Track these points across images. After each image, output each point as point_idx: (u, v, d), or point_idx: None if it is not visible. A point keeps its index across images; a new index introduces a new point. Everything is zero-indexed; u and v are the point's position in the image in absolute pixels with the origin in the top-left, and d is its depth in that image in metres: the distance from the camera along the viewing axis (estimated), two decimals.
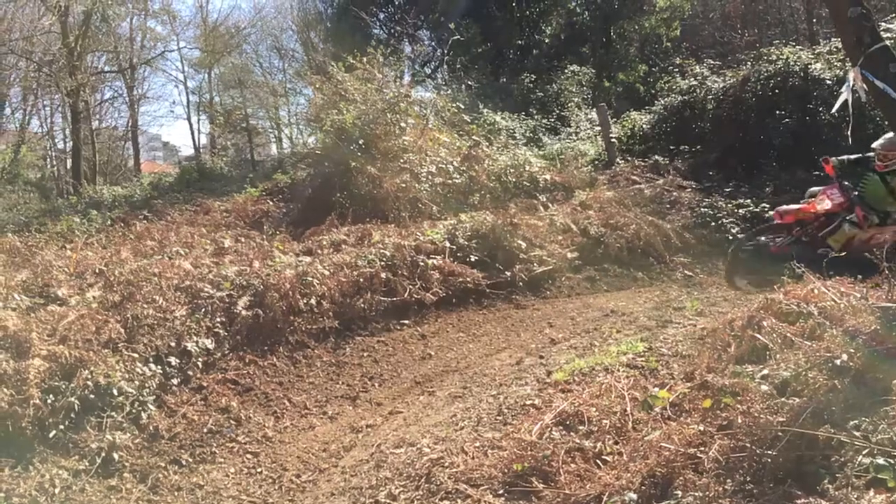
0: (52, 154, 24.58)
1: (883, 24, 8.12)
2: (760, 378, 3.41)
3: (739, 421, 3.01)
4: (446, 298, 6.93)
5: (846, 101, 4.91)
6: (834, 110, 5.81)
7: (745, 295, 6.81)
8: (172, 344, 5.15)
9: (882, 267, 4.00)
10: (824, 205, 7.37)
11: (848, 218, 7.24)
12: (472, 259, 7.50)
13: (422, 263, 7.11)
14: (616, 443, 3.43)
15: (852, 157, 7.66)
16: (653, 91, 15.85)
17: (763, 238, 7.72)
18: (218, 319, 5.60)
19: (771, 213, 8.11)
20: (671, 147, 11.30)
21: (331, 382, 5.62)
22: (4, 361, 4.30)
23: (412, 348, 6.22)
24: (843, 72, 9.45)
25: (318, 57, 19.68)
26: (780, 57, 11.34)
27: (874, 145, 7.23)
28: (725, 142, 11.01)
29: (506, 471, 3.42)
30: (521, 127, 13.35)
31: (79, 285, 5.82)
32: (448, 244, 7.55)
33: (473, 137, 11.29)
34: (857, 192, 7.38)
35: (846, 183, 7.45)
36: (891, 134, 7.09)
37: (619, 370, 4.56)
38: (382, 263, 6.93)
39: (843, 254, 7.05)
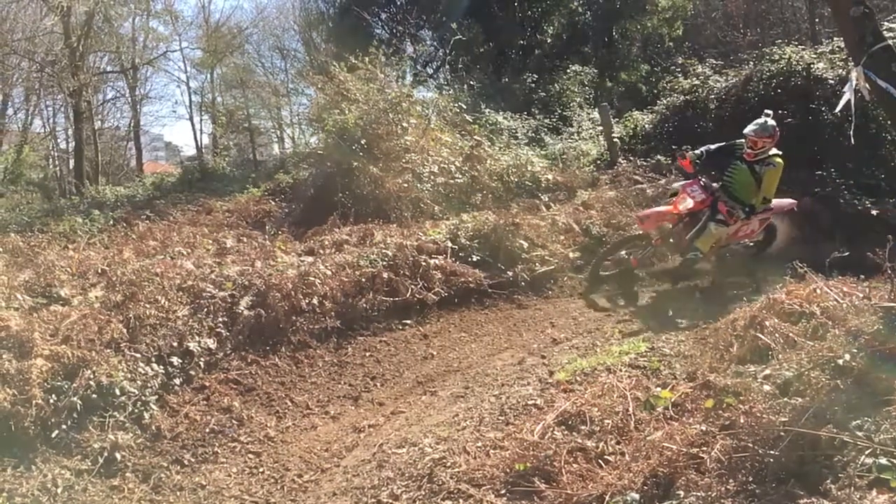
0: (55, 154, 24.59)
1: (885, 23, 8.12)
2: (763, 378, 3.42)
3: (742, 421, 3.01)
4: (448, 298, 6.93)
5: (849, 100, 4.90)
6: (837, 110, 5.78)
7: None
8: (175, 344, 5.16)
9: (884, 267, 3.99)
10: (686, 204, 7.08)
11: (714, 218, 6.99)
12: (474, 259, 7.50)
13: (424, 263, 7.10)
14: (618, 443, 3.43)
15: (712, 147, 7.43)
16: (655, 91, 15.80)
17: (624, 252, 7.50)
18: (220, 319, 5.60)
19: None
20: (673, 147, 11.24)
21: (333, 382, 5.62)
22: (7, 361, 4.31)
23: (414, 348, 6.22)
24: (845, 71, 9.43)
25: (320, 57, 19.64)
26: (783, 56, 11.31)
27: (746, 131, 7.01)
28: (728, 141, 10.97)
29: (508, 471, 3.42)
30: (523, 127, 13.32)
31: (81, 285, 5.83)
32: (450, 244, 7.55)
33: (475, 137, 11.27)
34: (722, 184, 7.19)
35: (705, 179, 7.23)
36: (762, 119, 6.97)
37: (621, 370, 4.56)
38: (384, 263, 6.93)
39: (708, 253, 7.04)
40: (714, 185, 7.23)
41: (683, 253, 7.19)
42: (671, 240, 7.27)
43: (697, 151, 7.30)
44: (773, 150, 7.02)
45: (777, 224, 7.71)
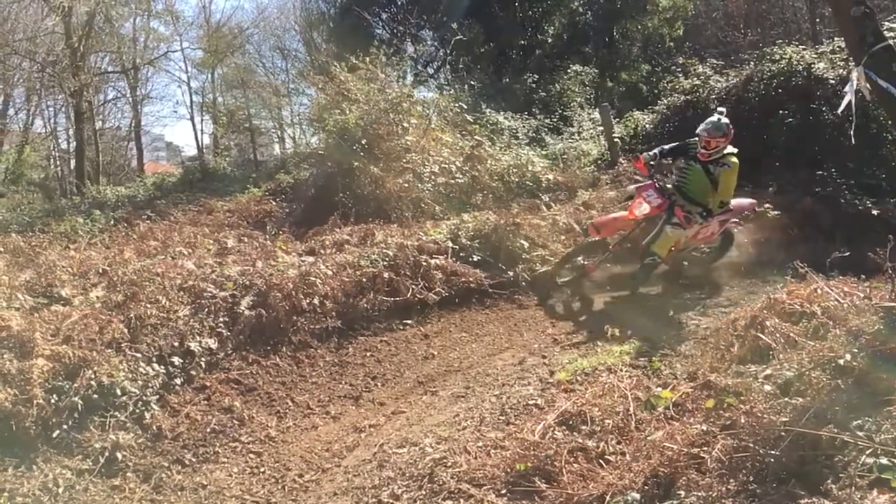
0: (56, 154, 24.58)
1: (886, 23, 8.12)
2: (763, 378, 3.42)
3: (742, 421, 3.01)
4: (449, 298, 6.93)
5: (850, 99, 4.90)
6: (840, 110, 5.51)
7: (749, 296, 6.75)
8: (175, 344, 5.16)
9: (885, 267, 3.99)
10: (642, 209, 6.84)
11: (670, 221, 6.76)
12: (475, 259, 7.50)
13: (424, 263, 7.10)
14: (619, 443, 3.43)
15: (666, 147, 7.21)
16: (655, 91, 15.81)
17: (580, 259, 7.27)
18: (221, 319, 5.60)
19: (590, 224, 7.49)
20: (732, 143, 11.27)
21: (334, 382, 5.62)
22: (8, 361, 4.31)
23: (415, 348, 6.22)
24: (846, 71, 9.42)
25: (320, 57, 19.66)
26: (783, 56, 11.30)
27: (698, 131, 6.80)
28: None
29: (508, 471, 3.42)
30: (523, 127, 13.32)
31: (82, 285, 5.83)
32: (451, 244, 7.55)
33: (476, 137, 11.28)
34: (677, 185, 6.97)
35: (661, 182, 6.98)
36: (715, 117, 6.77)
37: (621, 370, 4.56)
38: (385, 263, 6.93)
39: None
40: (675, 184, 7.03)
41: (641, 258, 7.00)
42: (628, 245, 7.10)
43: (651, 152, 7.11)
44: (729, 149, 6.83)
45: (733, 231, 7.53)
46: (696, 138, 6.83)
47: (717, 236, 7.36)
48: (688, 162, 7.02)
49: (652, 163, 7.02)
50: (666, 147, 7.23)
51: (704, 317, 6.27)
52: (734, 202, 7.10)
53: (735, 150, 6.88)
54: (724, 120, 6.79)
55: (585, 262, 7.20)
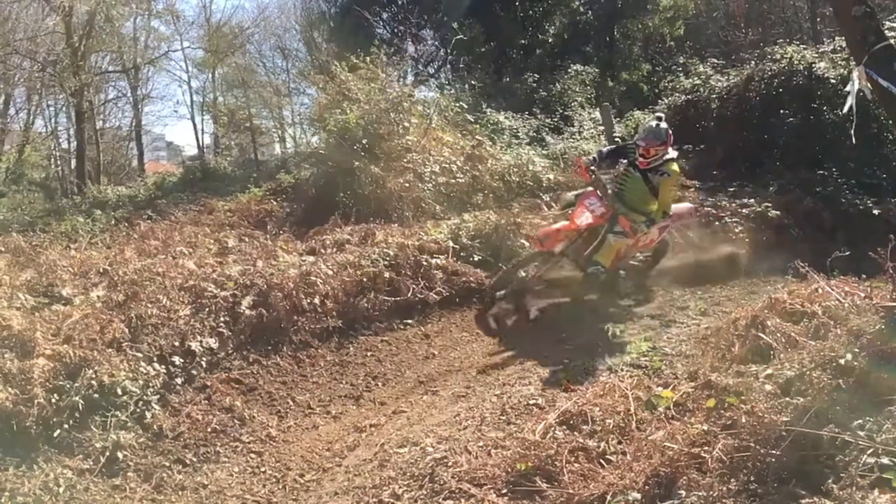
0: (57, 154, 24.55)
1: (887, 22, 8.11)
2: (764, 378, 3.42)
3: (743, 420, 3.01)
4: (450, 298, 6.92)
5: (848, 99, 4.90)
6: (845, 111, 5.30)
7: (750, 295, 6.74)
8: (176, 343, 5.16)
9: (886, 267, 3.98)
10: (584, 219, 6.58)
11: (612, 230, 6.51)
12: (476, 258, 7.50)
13: (425, 263, 7.10)
14: (620, 442, 3.43)
15: (604, 150, 7.04)
16: (656, 90, 15.82)
17: (523, 272, 6.98)
18: (222, 319, 5.60)
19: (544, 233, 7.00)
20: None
21: (334, 382, 5.62)
22: (9, 361, 4.31)
23: (416, 348, 6.22)
24: (847, 71, 9.42)
25: (321, 57, 19.65)
26: (784, 56, 11.31)
27: (636, 139, 6.63)
28: (729, 141, 10.98)
29: (509, 470, 3.42)
30: (524, 126, 13.31)
31: (83, 285, 5.83)
32: (451, 244, 7.55)
33: (476, 137, 11.28)
34: (615, 192, 6.76)
35: (602, 189, 6.74)
36: (653, 123, 6.59)
37: (622, 370, 4.56)
38: (386, 263, 6.93)
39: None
40: (615, 190, 6.83)
41: (584, 268, 6.75)
42: (571, 256, 6.83)
43: (591, 156, 6.88)
44: (669, 155, 6.60)
45: (666, 237, 7.35)
46: (633, 145, 6.67)
47: (656, 243, 7.19)
48: (626, 169, 6.82)
49: (593, 168, 6.78)
50: (604, 150, 7.06)
51: (677, 324, 6.18)
52: (673, 208, 6.90)
53: (675, 156, 6.69)
54: (663, 125, 6.57)
55: (527, 274, 6.97)
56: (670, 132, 6.59)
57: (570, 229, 6.66)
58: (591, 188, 6.79)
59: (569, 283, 7.03)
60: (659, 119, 6.68)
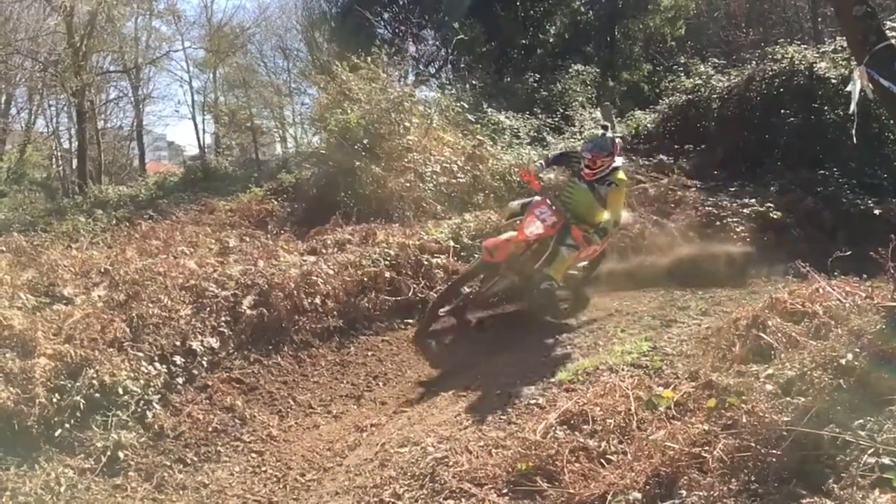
0: (58, 154, 24.55)
1: (888, 22, 8.11)
2: (765, 377, 3.41)
3: (744, 420, 3.01)
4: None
5: (852, 99, 4.89)
6: (851, 111, 5.15)
7: (750, 295, 6.74)
8: (177, 343, 5.16)
9: (887, 266, 3.98)
10: (534, 229, 6.18)
11: (564, 242, 6.19)
12: (477, 258, 7.49)
13: (426, 263, 7.12)
14: (620, 442, 3.43)
15: (550, 156, 6.77)
16: (657, 90, 15.81)
17: (467, 288, 6.57)
18: (223, 319, 5.60)
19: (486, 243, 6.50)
20: (676, 146, 11.26)
21: (335, 381, 5.63)
22: (10, 360, 4.32)
23: (416, 347, 6.22)
24: (847, 71, 9.42)
25: (322, 57, 19.67)
26: (785, 56, 11.31)
27: (581, 150, 6.35)
28: (730, 141, 10.98)
29: (510, 470, 3.42)
30: (525, 126, 13.30)
31: (84, 284, 5.83)
32: (452, 243, 7.55)
33: (477, 137, 11.28)
34: (562, 202, 6.41)
35: (552, 198, 6.41)
36: (598, 132, 6.44)
37: (623, 369, 4.56)
38: (387, 263, 6.93)
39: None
40: (563, 202, 6.46)
41: (533, 283, 6.38)
42: (517, 269, 6.45)
43: (538, 163, 6.60)
44: (616, 164, 6.36)
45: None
46: (579, 154, 6.42)
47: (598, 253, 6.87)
48: (571, 179, 6.56)
49: (541, 175, 6.55)
50: (550, 156, 6.80)
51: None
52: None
53: (620, 164, 6.47)
54: (609, 135, 6.41)
55: (471, 290, 6.57)
56: (616, 141, 6.43)
57: (519, 240, 6.23)
58: (538, 197, 6.46)
59: (515, 297, 6.75)
60: (605, 129, 6.54)
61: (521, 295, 6.67)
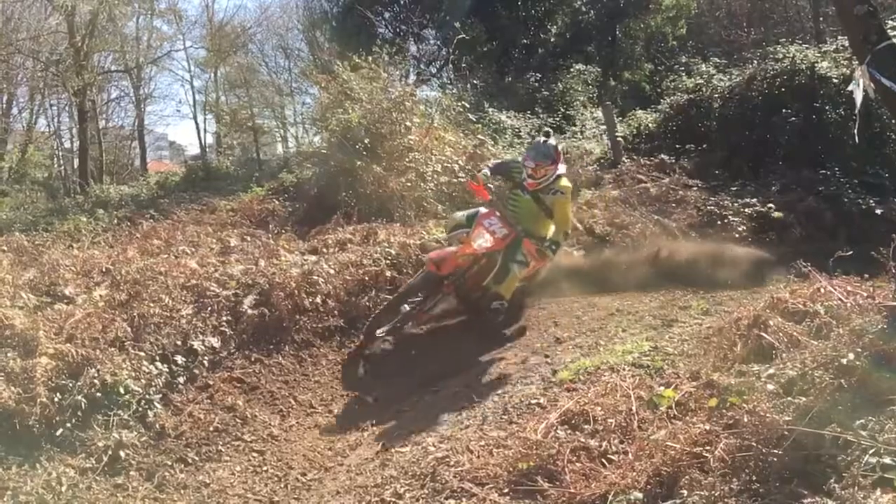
0: (59, 153, 24.59)
1: (890, 21, 8.10)
2: (766, 377, 3.41)
3: (745, 420, 3.00)
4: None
5: (853, 98, 4.88)
6: (857, 110, 5.01)
7: (752, 295, 6.72)
8: (179, 342, 5.17)
9: (888, 266, 3.98)
10: (483, 242, 5.79)
11: (514, 258, 5.89)
12: None
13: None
14: (621, 442, 3.43)
15: (492, 164, 6.48)
16: (658, 90, 15.81)
17: (408, 306, 6.01)
18: (224, 318, 5.61)
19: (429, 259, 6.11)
20: (677, 146, 11.27)
21: (336, 381, 5.64)
22: (12, 360, 4.32)
23: (417, 347, 6.22)
24: (849, 70, 9.41)
25: (323, 56, 19.68)
26: (787, 55, 11.31)
27: (522, 160, 6.08)
28: (731, 140, 10.98)
29: (511, 470, 3.42)
30: (526, 126, 13.31)
31: (85, 284, 5.84)
32: None
33: (479, 136, 11.28)
34: (508, 213, 6.08)
35: (504, 207, 6.12)
36: (540, 140, 6.17)
37: (624, 369, 4.55)
38: (388, 262, 6.94)
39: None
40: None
41: (478, 301, 6.13)
42: (460, 285, 6.09)
43: (485, 171, 6.21)
44: (560, 171, 6.11)
45: None
46: (520, 164, 6.17)
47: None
48: (514, 191, 6.28)
49: (490, 185, 6.08)
50: (491, 164, 6.52)
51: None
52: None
53: (563, 171, 6.21)
54: (551, 142, 6.15)
55: (414, 309, 6.04)
56: (559, 149, 6.20)
57: (466, 253, 5.82)
58: (485, 208, 6.11)
59: (458, 315, 6.46)
60: (546, 135, 6.28)
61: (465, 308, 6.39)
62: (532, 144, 6.18)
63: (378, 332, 5.94)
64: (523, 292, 6.70)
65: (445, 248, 6.26)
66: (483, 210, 6.14)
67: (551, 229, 6.10)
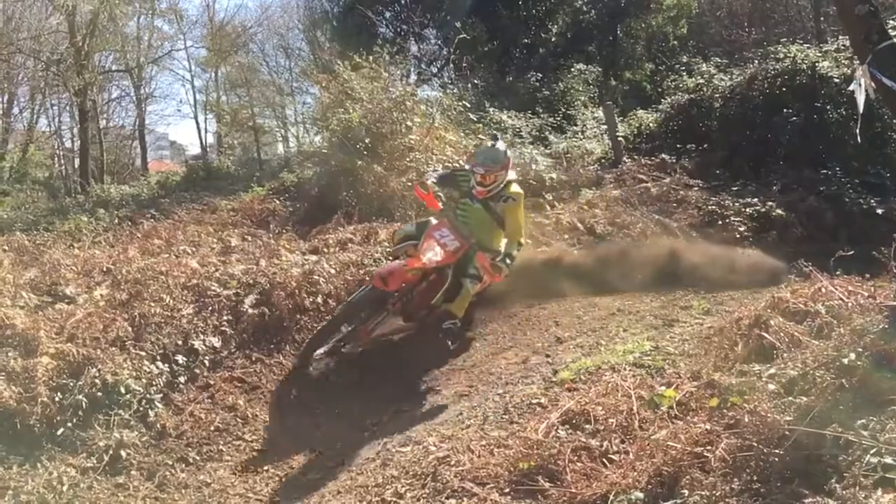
0: (60, 153, 24.60)
1: (891, 21, 8.10)
2: (767, 377, 3.41)
3: (746, 420, 3.00)
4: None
5: (856, 98, 4.87)
6: (860, 110, 4.63)
7: (753, 295, 6.72)
8: (179, 342, 5.17)
9: (889, 266, 3.98)
10: (432, 255, 5.37)
11: (467, 273, 5.56)
12: None
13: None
14: (622, 441, 3.42)
15: (435, 173, 6.01)
16: (659, 89, 15.79)
17: (346, 325, 5.56)
18: (225, 318, 5.61)
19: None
20: (678, 145, 11.26)
21: (337, 380, 5.63)
22: (13, 359, 4.33)
23: (418, 346, 6.22)
24: (850, 70, 9.40)
25: (324, 56, 19.66)
26: (788, 55, 11.30)
27: (471, 167, 5.72)
28: (732, 140, 10.98)
29: (512, 469, 3.42)
30: (527, 125, 13.28)
31: (86, 284, 5.85)
32: None
33: (479, 136, 11.26)
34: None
35: (455, 217, 5.74)
36: (489, 144, 5.82)
37: (625, 369, 4.55)
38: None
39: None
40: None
41: (425, 319, 5.72)
42: (410, 303, 5.65)
43: (432, 178, 5.82)
44: (510, 177, 5.81)
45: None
46: (466, 166, 5.87)
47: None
48: (462, 201, 5.91)
49: (440, 194, 5.70)
50: (435, 173, 6.10)
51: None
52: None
53: (514, 177, 5.90)
54: (501, 147, 5.78)
55: (358, 328, 5.56)
56: (508, 153, 5.82)
57: (415, 267, 5.35)
58: (435, 219, 5.78)
59: (402, 332, 6.07)
60: (494, 139, 5.93)
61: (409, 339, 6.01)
62: (480, 149, 5.76)
63: (316, 353, 5.52)
64: (473, 305, 6.24)
65: (391, 263, 5.79)
66: (434, 220, 5.79)
67: (502, 240, 5.76)
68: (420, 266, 5.32)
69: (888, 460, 2.48)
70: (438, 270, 5.50)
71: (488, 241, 5.73)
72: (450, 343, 5.60)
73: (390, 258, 6.13)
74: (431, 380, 5.61)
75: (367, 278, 6.06)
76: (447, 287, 5.57)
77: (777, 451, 2.75)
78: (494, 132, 6.36)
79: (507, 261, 5.48)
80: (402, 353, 5.92)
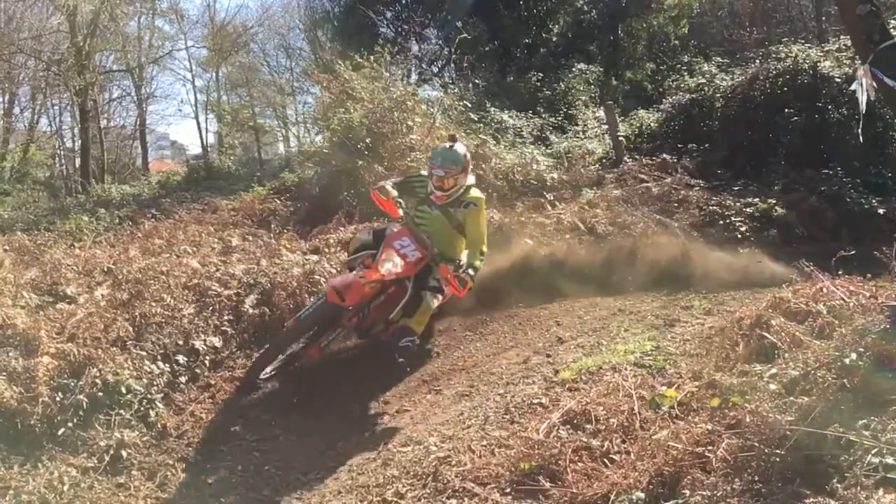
0: (61, 153, 24.66)
1: (892, 21, 8.09)
2: (769, 377, 3.41)
3: (748, 420, 3.00)
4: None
5: (857, 98, 4.87)
6: (861, 110, 4.66)
7: (754, 295, 6.71)
8: (180, 342, 5.17)
9: (891, 266, 3.97)
10: (391, 266, 5.00)
11: (428, 285, 5.27)
12: None
13: None
14: (623, 442, 3.42)
15: (392, 180, 5.55)
16: (661, 89, 15.80)
17: (295, 345, 5.15)
18: (225, 317, 5.62)
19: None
20: (679, 145, 11.25)
21: (338, 380, 5.62)
22: (14, 359, 4.33)
23: (418, 346, 6.22)
24: (852, 70, 9.40)
25: (325, 55, 19.65)
26: (789, 55, 11.30)
27: (431, 169, 5.37)
28: (734, 140, 10.96)
29: (513, 469, 3.42)
30: (528, 125, 13.27)
31: (87, 283, 5.84)
32: None
33: (480, 136, 11.25)
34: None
35: (416, 226, 5.39)
36: (447, 145, 5.44)
37: (626, 369, 4.55)
38: None
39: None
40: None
41: (395, 338, 5.27)
42: (366, 317, 5.26)
43: (389, 186, 5.31)
44: (470, 181, 5.51)
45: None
46: (422, 173, 5.65)
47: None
48: (419, 208, 5.56)
49: (399, 200, 5.23)
50: (392, 181, 5.57)
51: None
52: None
53: (472, 181, 5.58)
54: (460, 149, 5.44)
55: (307, 345, 5.20)
56: (468, 155, 5.50)
57: (373, 280, 4.94)
58: (395, 227, 5.55)
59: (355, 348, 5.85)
60: (453, 139, 5.57)
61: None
62: (437, 151, 5.41)
63: (262, 375, 5.09)
64: (433, 317, 5.90)
65: (347, 275, 5.30)
66: (393, 228, 5.54)
67: (463, 249, 5.50)
68: (378, 278, 4.93)
69: (889, 460, 2.48)
70: (397, 283, 5.16)
71: (449, 250, 5.48)
72: (404, 361, 5.28)
73: (346, 269, 5.79)
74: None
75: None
76: (406, 301, 5.24)
77: (778, 451, 2.75)
78: (452, 133, 5.89)
79: (471, 272, 5.17)
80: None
